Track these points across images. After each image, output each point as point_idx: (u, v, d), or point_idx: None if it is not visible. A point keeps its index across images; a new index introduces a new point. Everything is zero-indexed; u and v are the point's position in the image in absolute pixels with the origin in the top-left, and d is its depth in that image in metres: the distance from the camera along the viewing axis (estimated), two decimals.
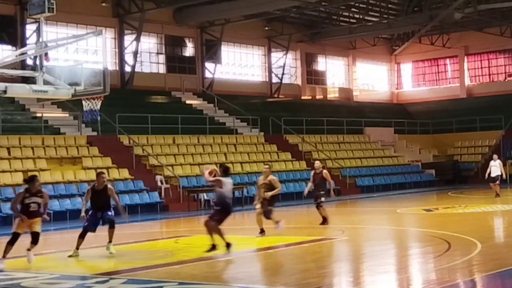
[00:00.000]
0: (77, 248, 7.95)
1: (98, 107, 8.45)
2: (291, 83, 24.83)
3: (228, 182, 7.62)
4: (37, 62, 8.53)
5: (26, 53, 10.08)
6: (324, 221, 10.25)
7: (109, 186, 8.12)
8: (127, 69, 19.64)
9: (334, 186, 10.82)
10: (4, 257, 7.19)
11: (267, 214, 9.11)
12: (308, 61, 25.37)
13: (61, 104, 16.22)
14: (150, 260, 7.47)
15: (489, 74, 26.83)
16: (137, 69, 19.97)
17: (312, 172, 10.44)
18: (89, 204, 8.22)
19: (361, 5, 21.56)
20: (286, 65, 24.20)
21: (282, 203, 16.19)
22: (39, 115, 16.09)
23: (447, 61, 27.60)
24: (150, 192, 14.84)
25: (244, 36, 22.62)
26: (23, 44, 16.49)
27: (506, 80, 26.41)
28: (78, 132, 15.96)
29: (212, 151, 17.82)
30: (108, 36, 18.76)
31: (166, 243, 9.36)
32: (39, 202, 7.41)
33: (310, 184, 10.41)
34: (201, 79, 21.68)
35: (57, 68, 9.09)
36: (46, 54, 8.39)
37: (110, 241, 7.99)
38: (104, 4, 19.05)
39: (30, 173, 13.63)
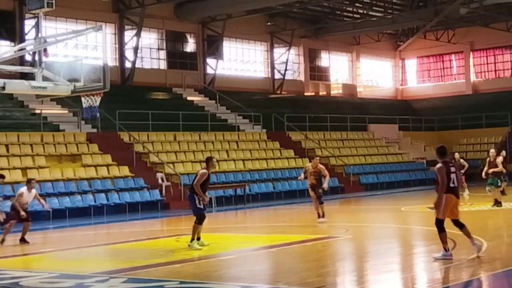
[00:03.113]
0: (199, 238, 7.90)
1: (98, 103, 8.34)
2: (294, 79, 24.66)
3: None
4: (36, 58, 8.45)
5: (25, 48, 9.99)
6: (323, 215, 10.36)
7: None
8: (128, 65, 19.51)
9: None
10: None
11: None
12: (311, 57, 25.18)
13: (60, 101, 16.11)
14: (151, 258, 7.38)
15: (495, 70, 26.58)
16: (138, 65, 19.84)
17: (310, 165, 10.48)
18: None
19: (365, 0, 21.35)
20: (289, 61, 24.03)
21: (285, 201, 16.10)
22: (38, 111, 15.94)
23: (453, 57, 27.34)
24: (151, 189, 14.72)
25: (246, 31, 22.45)
26: (22, 40, 16.33)
27: None
28: (77, 129, 15.83)
29: (214, 148, 17.67)
30: (108, 31, 18.61)
31: (167, 241, 9.26)
32: None
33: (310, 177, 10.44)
34: (202, 75, 21.53)
35: (56, 64, 9.04)
36: (45, 50, 8.32)
37: (194, 238, 7.85)
38: None
39: (28, 171, 13.65)
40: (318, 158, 10.89)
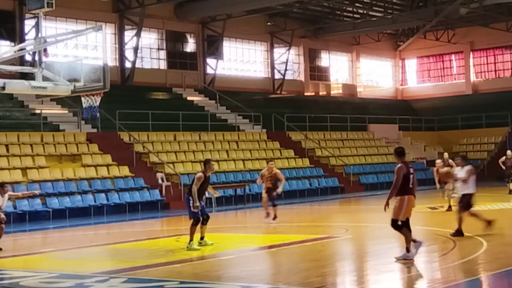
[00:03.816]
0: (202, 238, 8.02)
1: (98, 103, 8.34)
2: (294, 79, 24.64)
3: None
4: (36, 58, 8.45)
5: (25, 48, 9.99)
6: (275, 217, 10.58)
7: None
8: (128, 65, 19.49)
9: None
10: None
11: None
12: (311, 57, 25.16)
13: (60, 101, 16.09)
14: (151, 258, 7.38)
15: (495, 70, 26.55)
16: (138, 65, 19.82)
17: (266, 170, 10.71)
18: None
19: (365, 0, 21.33)
20: (289, 61, 24.02)
21: (285, 201, 16.08)
22: (38, 111, 15.92)
23: (453, 57, 27.31)
24: (151, 189, 14.71)
25: (246, 31, 22.43)
26: (22, 40, 16.31)
27: None
28: (77, 129, 15.81)
29: (214, 148, 17.66)
30: (108, 31, 18.59)
31: (167, 241, 9.25)
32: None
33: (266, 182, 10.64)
34: (202, 75, 21.52)
35: (56, 64, 9.05)
36: (45, 50, 8.32)
37: (193, 239, 7.90)
38: None
39: (28, 171, 13.66)
40: (273, 163, 10.93)
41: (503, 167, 15.16)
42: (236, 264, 7.04)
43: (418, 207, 13.07)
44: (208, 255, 7.53)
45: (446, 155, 15.14)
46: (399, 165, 6.51)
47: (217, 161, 16.92)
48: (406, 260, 6.33)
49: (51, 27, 17.12)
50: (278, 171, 10.77)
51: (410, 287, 5.75)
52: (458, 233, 8.04)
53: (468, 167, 8.23)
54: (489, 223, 8.12)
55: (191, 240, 7.84)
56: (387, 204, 6.44)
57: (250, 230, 10.55)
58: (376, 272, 6.19)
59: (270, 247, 8.19)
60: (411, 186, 6.48)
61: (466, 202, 8.13)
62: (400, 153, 6.62)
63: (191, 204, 7.84)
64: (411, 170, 6.55)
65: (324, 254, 7.44)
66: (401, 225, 6.47)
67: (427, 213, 12.12)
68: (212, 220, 11.91)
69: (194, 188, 7.78)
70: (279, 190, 10.55)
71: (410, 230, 6.51)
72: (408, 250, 6.39)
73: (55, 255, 8.25)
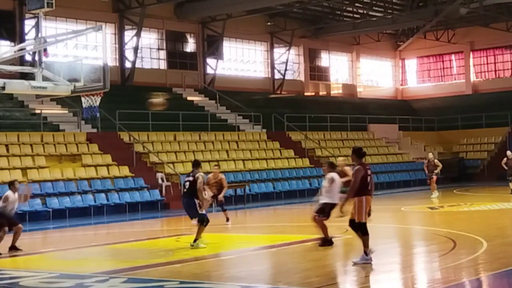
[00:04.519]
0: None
1: (97, 103, 8.35)
2: (294, 79, 24.64)
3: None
4: (36, 58, 8.46)
5: (24, 48, 10.00)
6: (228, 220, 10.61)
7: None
8: (128, 65, 19.48)
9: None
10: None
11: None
12: (311, 57, 25.17)
13: (60, 101, 16.09)
14: (151, 258, 7.38)
15: (495, 70, 26.56)
16: (138, 65, 19.81)
17: (211, 176, 10.53)
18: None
19: (365, 0, 21.34)
20: (289, 61, 24.02)
21: (285, 201, 16.09)
22: (38, 111, 15.91)
23: (453, 57, 27.30)
24: (151, 189, 14.71)
25: (246, 31, 22.44)
26: (22, 40, 16.30)
27: None
28: (77, 129, 15.81)
29: (214, 148, 17.66)
30: (108, 31, 18.59)
31: (167, 241, 9.23)
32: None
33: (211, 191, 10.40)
34: (202, 75, 21.52)
35: (56, 64, 9.08)
36: (45, 50, 8.33)
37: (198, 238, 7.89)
38: None
39: (28, 171, 13.65)
40: (217, 167, 10.78)
41: (506, 168, 15.20)
42: (236, 264, 7.04)
43: (418, 207, 13.23)
44: (208, 255, 7.53)
45: (430, 155, 15.09)
46: (357, 167, 6.26)
47: (217, 161, 16.91)
48: (366, 264, 6.22)
49: (51, 27, 17.10)
50: (223, 176, 10.55)
51: (410, 287, 5.74)
52: (326, 242, 7.58)
53: (329, 175, 7.63)
54: (327, 242, 7.57)
55: (196, 239, 7.81)
56: (341, 208, 6.38)
57: (250, 230, 10.55)
58: (376, 272, 6.17)
59: (270, 247, 8.19)
60: (369, 188, 6.30)
61: (327, 212, 7.53)
62: (360, 154, 6.35)
63: (197, 208, 7.80)
64: (369, 172, 6.33)
65: (324, 254, 7.42)
66: (362, 227, 6.31)
67: (427, 213, 12.12)
68: (212, 220, 11.89)
69: (201, 189, 7.82)
70: (221, 196, 10.32)
71: (367, 234, 6.33)
72: (366, 253, 6.26)
73: (55, 255, 8.24)
